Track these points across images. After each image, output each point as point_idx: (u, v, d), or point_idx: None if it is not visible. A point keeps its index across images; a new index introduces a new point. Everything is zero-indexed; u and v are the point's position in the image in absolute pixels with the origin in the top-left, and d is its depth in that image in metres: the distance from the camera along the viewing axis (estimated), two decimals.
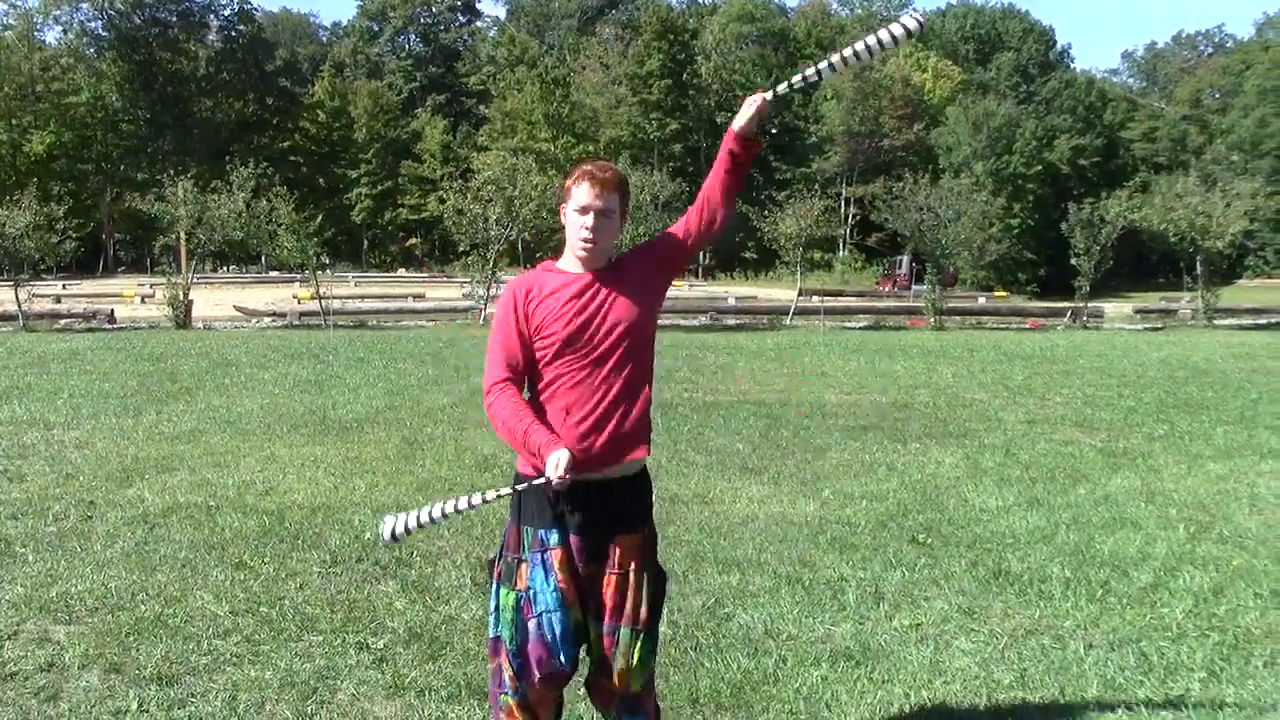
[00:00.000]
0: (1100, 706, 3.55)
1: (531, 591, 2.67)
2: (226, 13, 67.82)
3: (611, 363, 2.64)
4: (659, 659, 2.98)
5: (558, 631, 2.65)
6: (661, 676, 3.58)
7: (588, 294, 2.66)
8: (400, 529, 2.66)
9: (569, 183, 2.71)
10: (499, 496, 2.69)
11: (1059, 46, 78.57)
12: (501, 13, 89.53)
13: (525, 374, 2.71)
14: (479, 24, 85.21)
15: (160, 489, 6.48)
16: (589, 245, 2.66)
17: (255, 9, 70.20)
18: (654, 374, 2.80)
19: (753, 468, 7.42)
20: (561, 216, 2.74)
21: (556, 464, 2.50)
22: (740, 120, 2.65)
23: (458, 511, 2.64)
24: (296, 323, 24.27)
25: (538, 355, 2.68)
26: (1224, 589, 4.75)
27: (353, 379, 12.37)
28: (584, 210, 2.65)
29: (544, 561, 2.67)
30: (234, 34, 68.32)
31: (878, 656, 3.93)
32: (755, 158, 2.74)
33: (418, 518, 2.65)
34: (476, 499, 2.65)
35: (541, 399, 2.69)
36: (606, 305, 2.66)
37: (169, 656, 3.83)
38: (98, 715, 3.39)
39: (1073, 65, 78.54)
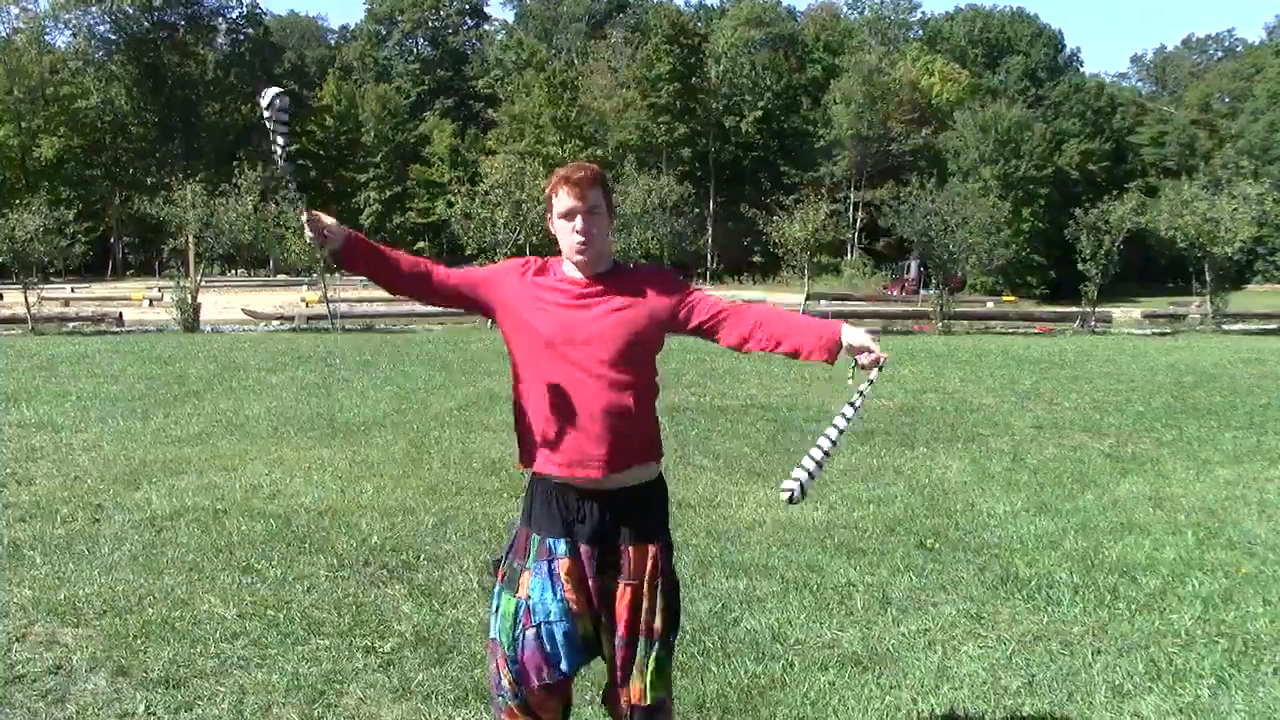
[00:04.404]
0: (1108, 713, 3.53)
1: (532, 601, 2.60)
2: (234, 16, 68.12)
3: (601, 370, 2.56)
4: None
5: (560, 642, 2.58)
6: None
7: (583, 298, 2.61)
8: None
9: (548, 193, 2.66)
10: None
11: (1068, 50, 78.37)
12: (510, 16, 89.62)
13: (456, 288, 2.72)
14: (487, 27, 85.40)
15: (167, 492, 6.49)
16: (584, 246, 2.60)
17: (263, 12, 70.53)
18: (656, 386, 2.71)
19: (760, 472, 7.40)
20: (551, 228, 2.68)
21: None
22: (850, 339, 2.53)
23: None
24: (304, 326, 24.35)
25: (522, 353, 2.64)
26: (1233, 595, 4.73)
27: (360, 382, 12.39)
28: (569, 214, 2.59)
29: (550, 571, 2.60)
30: (242, 37, 68.57)
31: (885, 662, 3.92)
32: None
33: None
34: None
35: (529, 399, 2.64)
36: (601, 311, 2.59)
37: (176, 660, 3.83)
38: (105, 718, 3.40)
39: (1082, 69, 78.39)
